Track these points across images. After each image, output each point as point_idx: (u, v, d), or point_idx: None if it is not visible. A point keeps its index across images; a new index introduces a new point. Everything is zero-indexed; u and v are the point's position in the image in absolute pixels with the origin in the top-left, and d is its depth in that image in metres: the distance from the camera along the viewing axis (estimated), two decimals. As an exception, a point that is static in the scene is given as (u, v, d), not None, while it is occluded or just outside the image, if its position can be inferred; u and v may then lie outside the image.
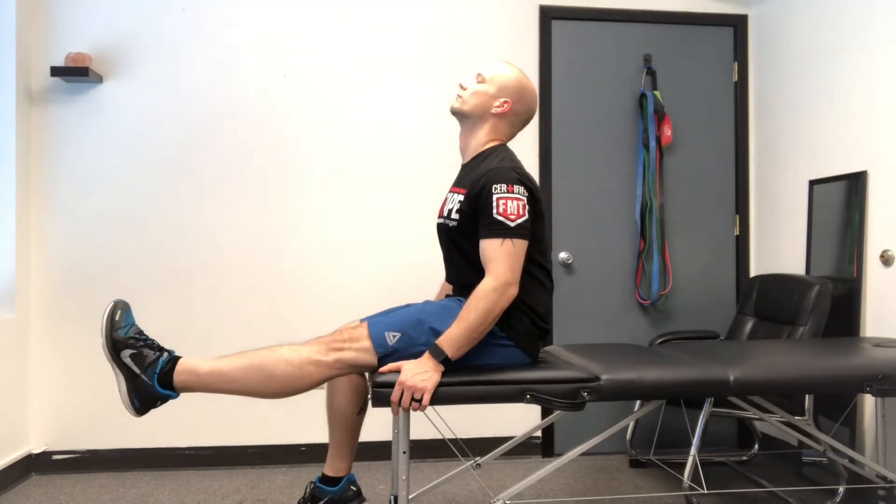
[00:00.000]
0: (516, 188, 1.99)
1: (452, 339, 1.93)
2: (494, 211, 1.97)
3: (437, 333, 1.97)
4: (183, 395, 1.98)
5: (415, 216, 3.41)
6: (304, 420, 3.30)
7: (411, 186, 3.41)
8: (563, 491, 2.94)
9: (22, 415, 3.12)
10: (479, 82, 2.18)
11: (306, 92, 3.37)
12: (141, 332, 1.95)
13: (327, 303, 3.35)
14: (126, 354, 1.89)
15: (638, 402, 3.08)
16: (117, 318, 1.91)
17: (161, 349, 1.95)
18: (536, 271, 2.09)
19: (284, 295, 3.33)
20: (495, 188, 1.98)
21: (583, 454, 3.34)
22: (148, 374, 1.90)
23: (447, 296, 2.21)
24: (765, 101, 3.56)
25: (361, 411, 2.24)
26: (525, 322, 2.06)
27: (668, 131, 3.54)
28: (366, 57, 3.40)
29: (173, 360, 1.94)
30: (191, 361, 1.95)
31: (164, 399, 1.93)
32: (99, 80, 3.23)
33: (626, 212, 3.58)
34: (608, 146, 3.57)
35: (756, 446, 3.42)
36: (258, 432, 3.31)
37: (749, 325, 3.15)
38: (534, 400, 1.97)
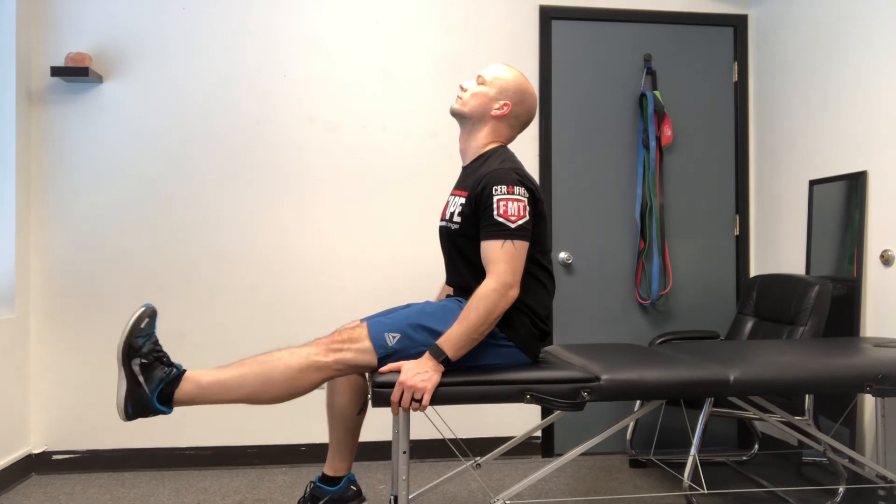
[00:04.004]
0: (517, 189, 1.99)
1: (453, 339, 1.93)
2: (495, 212, 1.97)
3: (437, 334, 1.97)
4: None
5: (415, 217, 3.41)
6: (304, 420, 3.30)
7: (412, 187, 3.41)
8: (563, 491, 2.94)
9: (22, 415, 3.12)
10: (479, 84, 2.18)
11: (306, 92, 3.37)
12: (157, 345, 1.93)
13: (328, 303, 3.35)
14: (136, 363, 1.89)
15: (638, 402, 3.08)
16: (143, 325, 1.90)
17: (171, 364, 1.94)
18: (538, 272, 2.09)
19: (285, 295, 3.33)
20: (496, 189, 1.98)
21: (583, 454, 3.35)
22: (150, 388, 1.89)
23: (447, 297, 2.21)
24: (765, 100, 3.56)
25: (361, 411, 2.24)
26: (525, 323, 2.06)
27: (668, 131, 3.54)
28: (365, 57, 3.40)
29: (179, 375, 1.93)
30: (195, 374, 1.94)
31: (157, 413, 1.92)
32: (99, 80, 3.23)
33: (626, 212, 3.58)
34: (608, 146, 3.58)
35: (756, 446, 3.42)
36: (258, 432, 3.31)
37: (749, 325, 3.15)
38: (534, 400, 1.97)
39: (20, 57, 3.10)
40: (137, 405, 1.89)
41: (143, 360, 1.89)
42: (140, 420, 3.12)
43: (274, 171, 3.34)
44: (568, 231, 3.54)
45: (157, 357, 1.91)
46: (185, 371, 1.94)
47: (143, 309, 1.91)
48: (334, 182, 3.38)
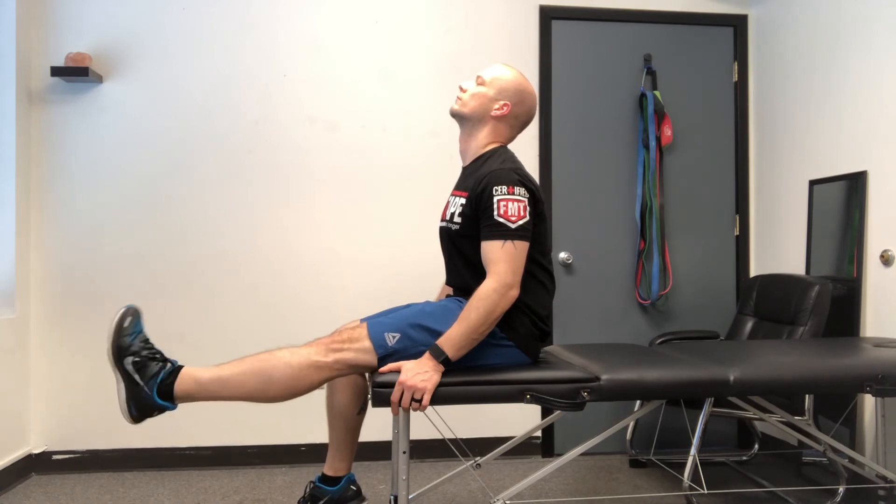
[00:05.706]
0: (517, 190, 1.99)
1: (453, 339, 1.93)
2: (495, 212, 1.97)
3: (437, 334, 1.97)
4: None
5: (415, 217, 3.41)
6: (304, 420, 3.30)
7: (412, 187, 3.41)
8: (563, 491, 2.94)
9: (22, 415, 3.12)
10: (478, 84, 2.18)
11: (306, 92, 3.37)
12: (147, 342, 1.94)
13: (327, 303, 3.35)
14: (129, 362, 1.89)
15: (638, 402, 3.08)
16: (126, 324, 1.90)
17: (165, 360, 1.94)
18: (538, 273, 2.09)
19: (285, 295, 3.33)
20: (496, 190, 1.98)
21: (583, 454, 3.35)
22: (149, 385, 1.89)
23: (447, 297, 2.21)
24: (765, 101, 3.56)
25: (361, 411, 2.24)
26: (525, 323, 2.06)
27: (668, 131, 3.54)
28: (365, 57, 3.40)
29: (175, 370, 1.93)
30: (192, 370, 1.94)
31: (162, 410, 1.92)
32: (99, 80, 3.23)
33: (626, 212, 3.58)
34: (608, 146, 3.58)
35: (756, 446, 3.42)
36: (258, 432, 3.31)
37: (749, 325, 3.15)
38: (534, 400, 1.97)
39: (20, 57, 3.10)
40: (140, 404, 1.89)
41: (136, 359, 1.89)
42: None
43: (274, 171, 3.34)
44: (568, 231, 3.54)
45: (150, 354, 1.92)
46: (181, 366, 1.94)
47: (124, 309, 1.92)
48: (334, 182, 3.38)
